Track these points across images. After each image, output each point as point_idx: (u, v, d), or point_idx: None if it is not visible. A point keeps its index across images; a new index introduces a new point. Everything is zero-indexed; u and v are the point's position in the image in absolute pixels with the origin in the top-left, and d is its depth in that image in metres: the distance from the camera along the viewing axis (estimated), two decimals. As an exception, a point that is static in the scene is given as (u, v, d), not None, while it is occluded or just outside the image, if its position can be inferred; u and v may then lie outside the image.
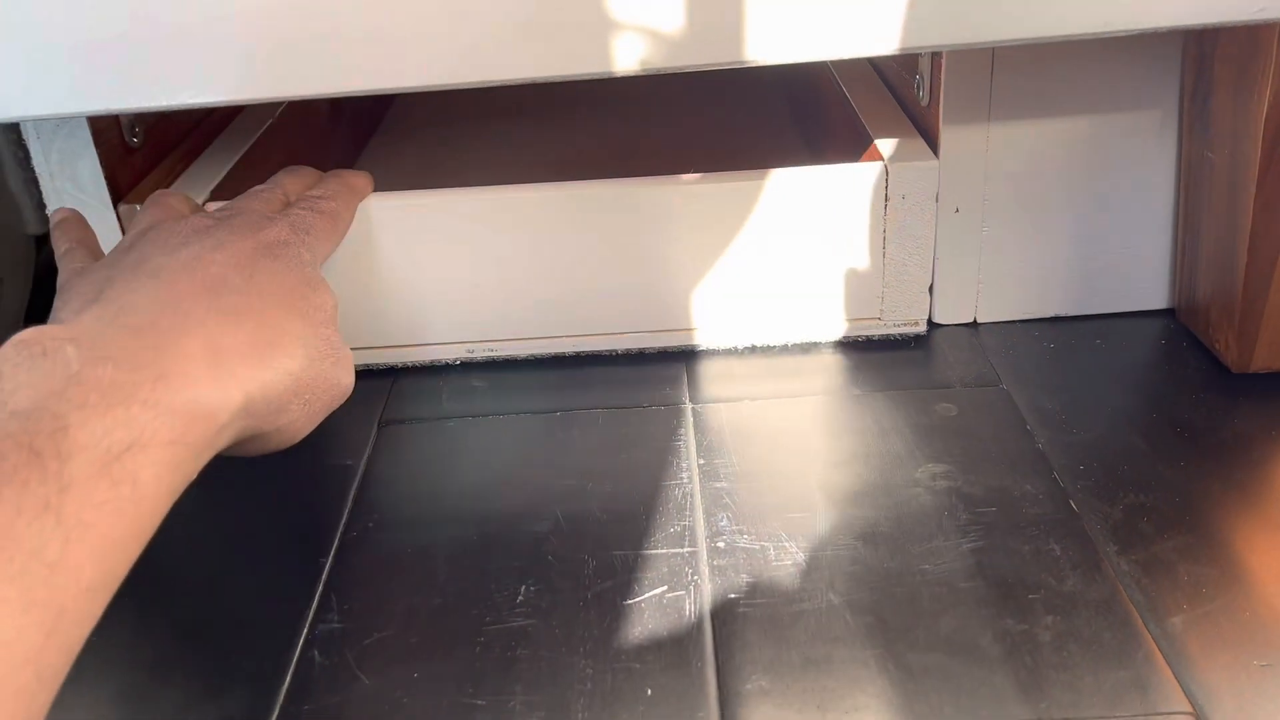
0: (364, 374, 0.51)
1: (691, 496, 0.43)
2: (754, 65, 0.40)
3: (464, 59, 0.39)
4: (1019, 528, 0.40)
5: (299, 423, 0.38)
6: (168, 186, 0.52)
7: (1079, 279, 0.54)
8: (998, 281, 0.54)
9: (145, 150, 0.53)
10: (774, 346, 0.53)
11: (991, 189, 0.51)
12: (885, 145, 0.51)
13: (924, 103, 0.52)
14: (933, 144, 0.51)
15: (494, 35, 0.38)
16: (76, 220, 0.45)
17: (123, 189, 0.50)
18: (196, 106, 0.40)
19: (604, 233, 0.49)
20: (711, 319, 0.52)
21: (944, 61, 0.49)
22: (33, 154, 0.49)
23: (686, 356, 0.52)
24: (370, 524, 0.43)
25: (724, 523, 0.42)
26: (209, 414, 0.33)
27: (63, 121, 0.47)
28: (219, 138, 0.58)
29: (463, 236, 0.49)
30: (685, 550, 0.40)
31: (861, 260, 0.50)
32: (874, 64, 0.62)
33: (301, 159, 0.61)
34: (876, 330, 0.52)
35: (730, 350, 0.52)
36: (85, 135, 0.48)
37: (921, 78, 0.52)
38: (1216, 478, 0.43)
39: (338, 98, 0.67)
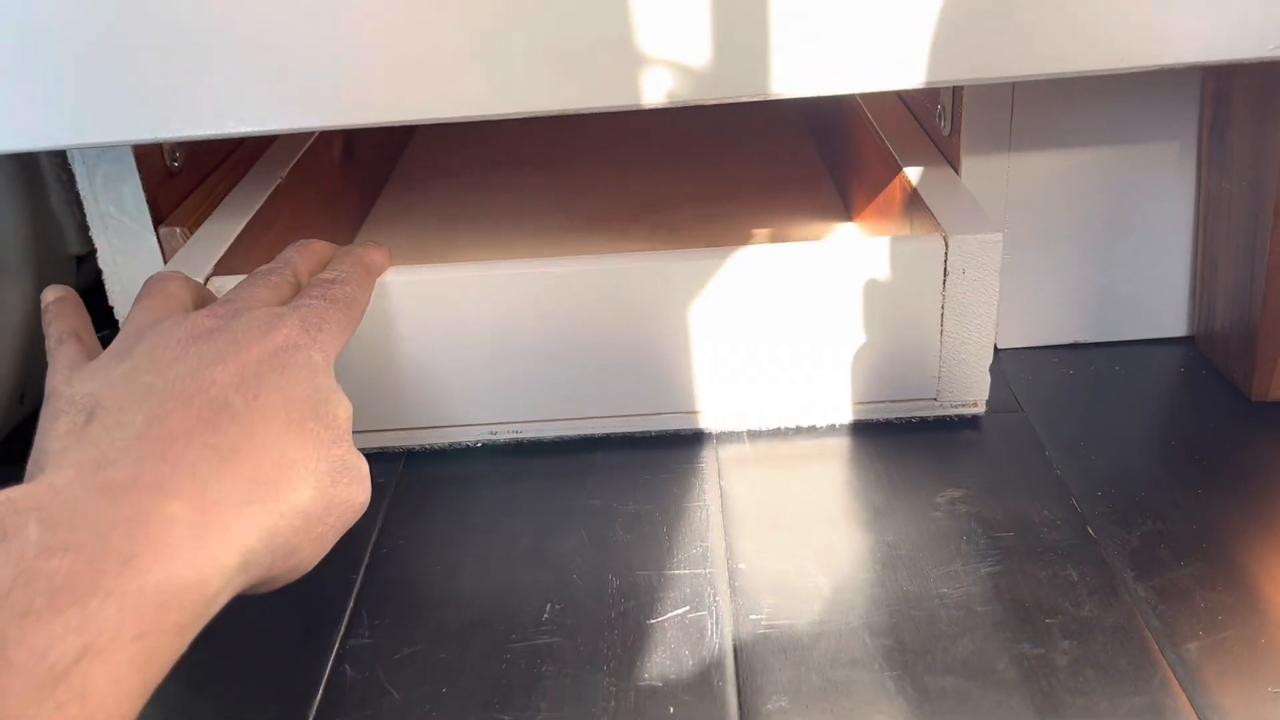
0: (378, 457, 0.49)
1: (713, 517, 0.44)
2: (780, 98, 0.41)
3: (494, 90, 0.40)
4: (1037, 553, 0.41)
5: (310, 558, 0.34)
6: (208, 211, 0.53)
7: (1098, 306, 0.54)
8: (1017, 308, 0.54)
9: (185, 173, 0.54)
10: (819, 427, 0.49)
11: (1012, 217, 0.52)
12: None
13: (946, 132, 0.53)
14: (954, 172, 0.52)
15: (524, 67, 0.40)
16: (70, 304, 0.40)
17: (164, 211, 0.52)
18: (238, 135, 0.42)
19: (635, 307, 0.46)
20: (751, 399, 0.48)
21: (965, 93, 0.50)
22: (78, 177, 0.50)
23: (723, 437, 0.49)
24: (400, 541, 0.44)
25: (745, 544, 0.42)
26: (193, 587, 0.28)
27: (107, 146, 0.49)
28: (237, 186, 0.57)
29: (483, 312, 0.46)
30: (707, 571, 0.41)
31: (916, 337, 0.47)
32: (897, 92, 0.63)
33: (314, 213, 0.61)
34: (931, 412, 0.49)
35: (775, 431, 0.49)
36: (129, 160, 0.49)
37: (943, 108, 0.52)
38: (1234, 505, 0.43)
39: (357, 140, 0.68)
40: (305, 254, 0.43)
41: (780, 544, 0.42)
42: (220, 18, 0.39)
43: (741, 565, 0.41)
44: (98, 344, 0.38)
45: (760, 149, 0.77)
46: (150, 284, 0.40)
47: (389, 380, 0.48)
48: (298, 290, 0.40)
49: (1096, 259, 0.53)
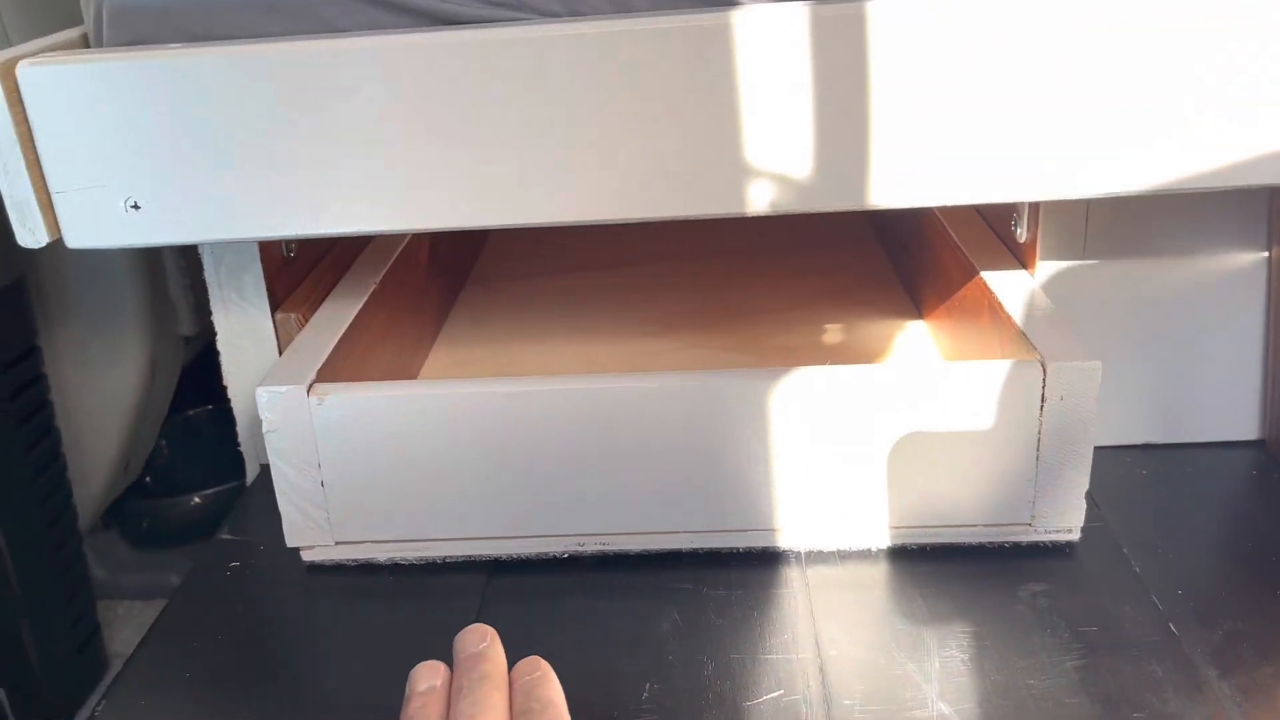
0: (464, 567, 0.50)
1: (803, 603, 0.46)
2: (874, 209, 0.43)
3: (615, 197, 0.43)
4: (1120, 647, 0.42)
5: None
6: (319, 299, 0.56)
7: (1171, 408, 0.56)
8: (1090, 408, 0.56)
9: (298, 262, 0.58)
10: (910, 548, 0.49)
11: (1086, 320, 0.54)
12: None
13: (1021, 239, 0.55)
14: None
15: (644, 177, 0.43)
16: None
17: (280, 298, 0.55)
18: (357, 235, 0.45)
19: (723, 424, 0.46)
20: (840, 520, 0.48)
21: (1043, 202, 0.53)
22: (205, 265, 0.54)
23: (812, 557, 0.49)
24: (500, 620, 0.46)
25: (835, 630, 0.44)
26: None
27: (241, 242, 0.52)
28: (344, 278, 0.59)
29: (567, 426, 0.47)
30: (799, 656, 0.43)
31: (1011, 462, 0.47)
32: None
33: (405, 311, 0.62)
34: (1025, 537, 0.48)
35: (864, 553, 0.49)
36: (252, 250, 0.53)
37: (1019, 215, 0.55)
38: (1313, 607, 0.44)
39: (441, 241, 0.70)
40: (484, 711, 0.35)
41: (868, 631, 0.44)
42: (349, 126, 0.43)
43: (832, 651, 0.43)
44: None
45: (828, 248, 0.80)
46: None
47: (472, 487, 0.48)
48: None
49: (1169, 362, 0.55)
